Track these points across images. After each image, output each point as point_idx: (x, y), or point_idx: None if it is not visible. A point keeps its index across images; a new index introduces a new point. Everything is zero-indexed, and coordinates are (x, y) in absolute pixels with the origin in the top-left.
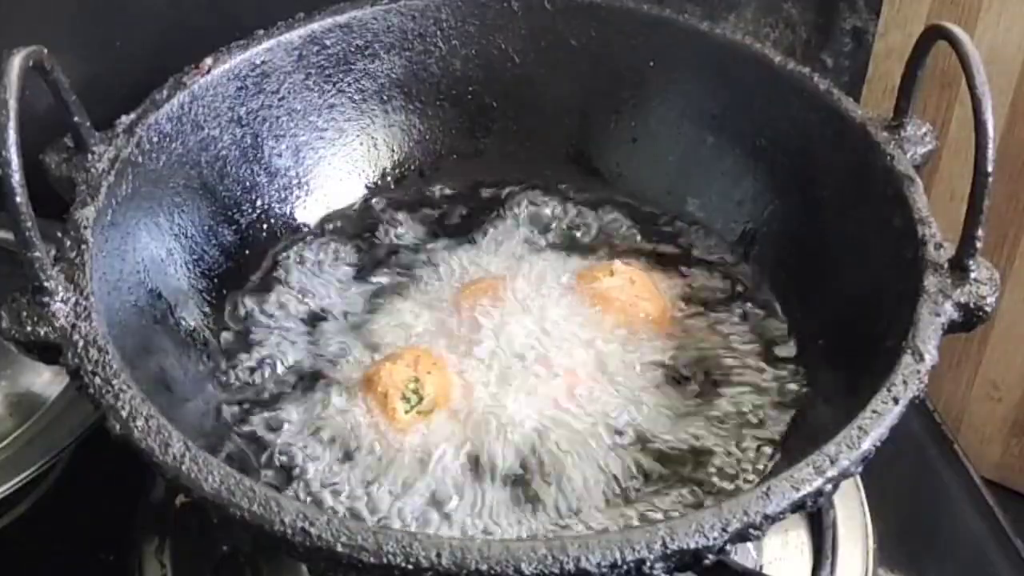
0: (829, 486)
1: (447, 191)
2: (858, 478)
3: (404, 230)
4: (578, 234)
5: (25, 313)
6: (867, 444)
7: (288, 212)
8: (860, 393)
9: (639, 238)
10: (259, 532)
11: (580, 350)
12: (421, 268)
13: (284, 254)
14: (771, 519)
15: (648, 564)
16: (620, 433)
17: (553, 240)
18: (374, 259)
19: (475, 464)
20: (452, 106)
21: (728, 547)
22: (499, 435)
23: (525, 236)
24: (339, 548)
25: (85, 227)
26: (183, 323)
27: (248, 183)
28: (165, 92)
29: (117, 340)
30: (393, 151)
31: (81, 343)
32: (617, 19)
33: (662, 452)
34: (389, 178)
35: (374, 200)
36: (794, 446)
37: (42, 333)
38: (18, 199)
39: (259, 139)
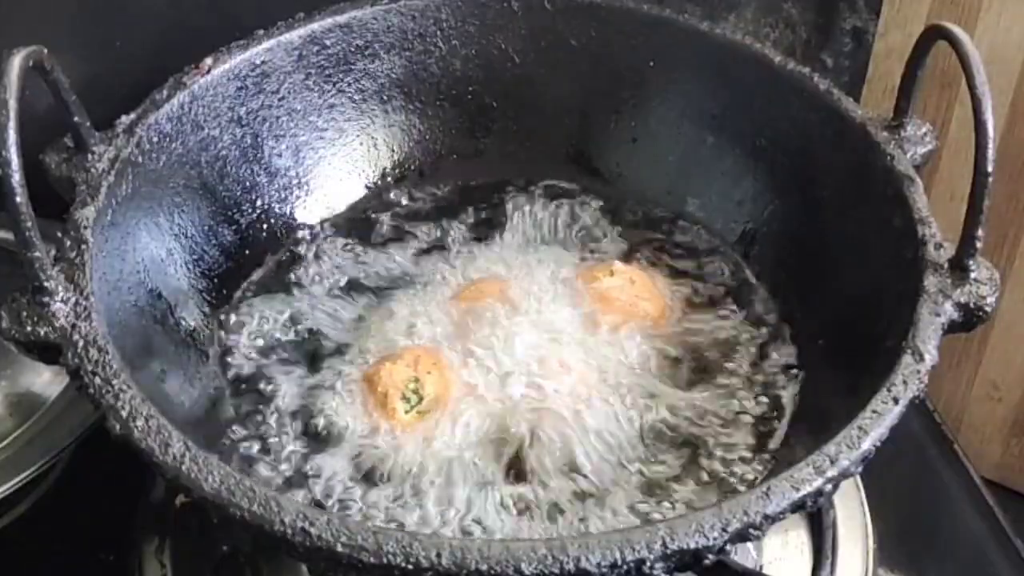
0: (829, 486)
1: (447, 191)
2: (858, 478)
3: (404, 230)
4: (578, 234)
5: (25, 313)
6: (867, 444)
7: (288, 212)
8: (860, 393)
9: (639, 238)
10: (259, 532)
11: (580, 350)
12: (421, 268)
13: (284, 254)
14: (771, 519)
15: (648, 564)
16: (619, 432)
17: (553, 240)
18: (374, 259)
19: (475, 464)
20: (452, 106)
21: (728, 547)
22: (499, 435)
23: (525, 236)
24: (339, 548)
25: (85, 227)
26: (183, 323)
27: (248, 183)
28: (165, 92)
29: (117, 340)
30: (393, 151)
31: (81, 343)
32: (617, 19)
33: (662, 452)
34: (389, 178)
35: (374, 200)
36: (794, 446)
37: (42, 333)
38: (18, 199)
39: (259, 139)
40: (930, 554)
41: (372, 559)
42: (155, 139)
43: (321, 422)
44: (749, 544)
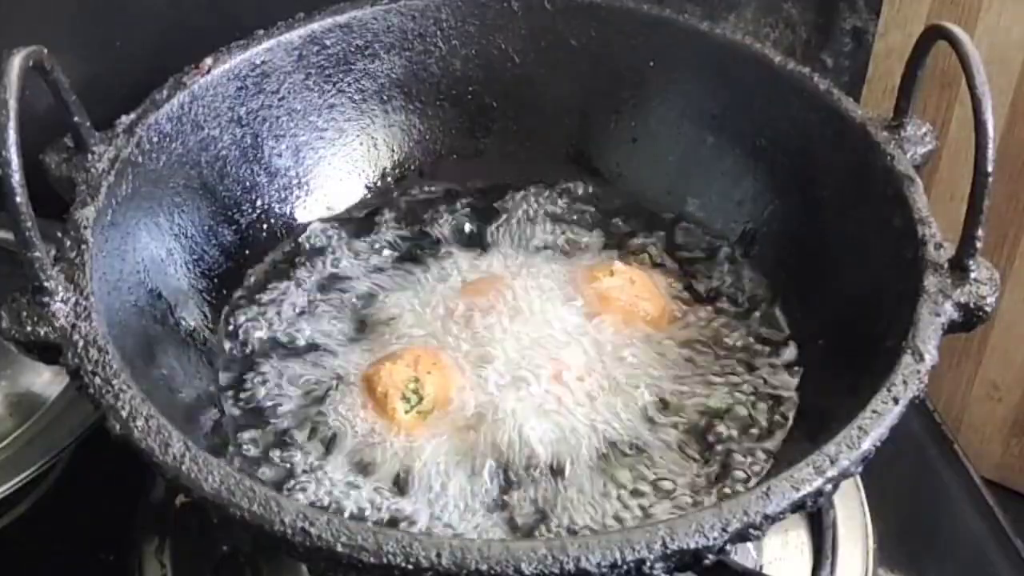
0: (829, 486)
1: (447, 191)
2: (858, 478)
3: (403, 230)
4: (578, 234)
5: (25, 313)
6: (867, 444)
7: (288, 212)
8: (860, 393)
9: (639, 238)
10: (259, 532)
11: (580, 350)
12: (421, 268)
13: (284, 254)
14: (771, 519)
15: (648, 564)
16: (619, 432)
17: (553, 240)
18: (374, 259)
19: (475, 464)
20: (452, 106)
21: (728, 547)
22: (499, 435)
23: (525, 236)
24: (339, 548)
25: (85, 227)
26: (183, 323)
27: (248, 183)
28: (165, 92)
29: (117, 340)
30: (393, 151)
31: (81, 343)
32: (617, 19)
33: (662, 451)
34: (389, 178)
35: (374, 200)
36: (794, 446)
37: (42, 333)
38: (18, 199)
39: (259, 139)
40: (930, 554)
41: (372, 559)
42: (155, 139)
43: (321, 422)
44: (749, 544)
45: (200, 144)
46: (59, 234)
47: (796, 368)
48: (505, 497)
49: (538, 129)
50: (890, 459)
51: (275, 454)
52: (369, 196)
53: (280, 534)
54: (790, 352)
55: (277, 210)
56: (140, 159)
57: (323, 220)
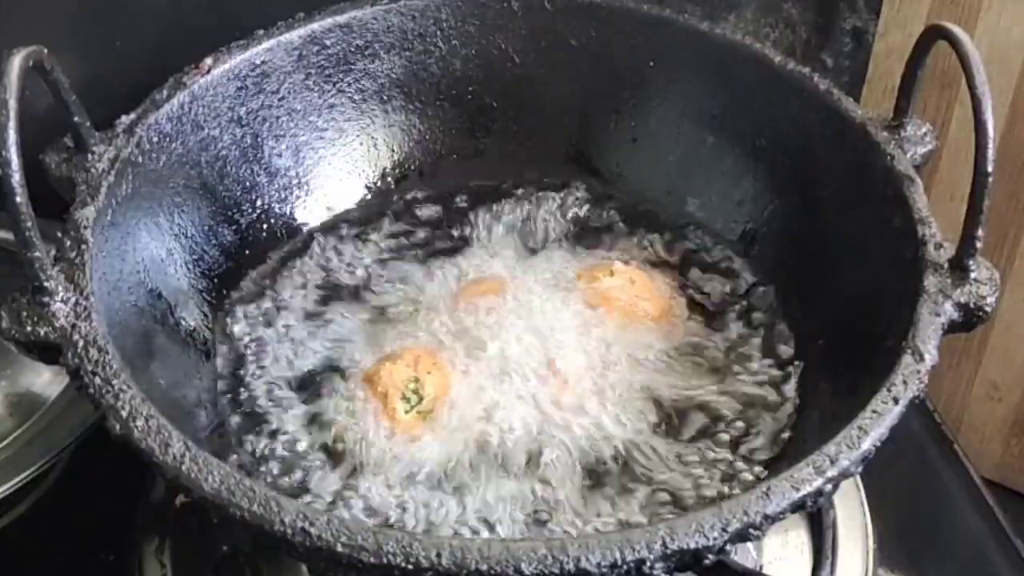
0: (829, 486)
1: (447, 191)
2: (858, 478)
3: (404, 230)
4: (578, 234)
5: (25, 313)
6: (867, 444)
7: (288, 212)
8: (860, 393)
9: (639, 238)
10: (259, 532)
11: (580, 350)
12: (421, 268)
13: (284, 254)
14: (771, 519)
15: (648, 564)
16: (619, 432)
17: (553, 240)
18: (374, 259)
19: (475, 464)
20: (452, 106)
21: (728, 547)
22: (499, 435)
23: (525, 236)
24: (339, 548)
25: (85, 227)
26: (183, 323)
27: (248, 183)
28: (165, 92)
29: (117, 340)
30: (393, 151)
31: (81, 343)
32: (617, 19)
33: (661, 451)
34: (389, 178)
35: (374, 200)
36: (794, 446)
37: (42, 333)
38: (18, 199)
39: (259, 139)
40: (930, 554)
41: (372, 559)
42: (155, 139)
43: (320, 422)
44: (749, 544)
45: (200, 144)
46: (59, 234)
47: (796, 368)
48: (506, 496)
49: (538, 129)
50: (890, 459)
51: (275, 454)
52: (369, 196)
53: (280, 534)
54: (790, 352)
55: (277, 210)
56: (140, 159)
57: (323, 220)
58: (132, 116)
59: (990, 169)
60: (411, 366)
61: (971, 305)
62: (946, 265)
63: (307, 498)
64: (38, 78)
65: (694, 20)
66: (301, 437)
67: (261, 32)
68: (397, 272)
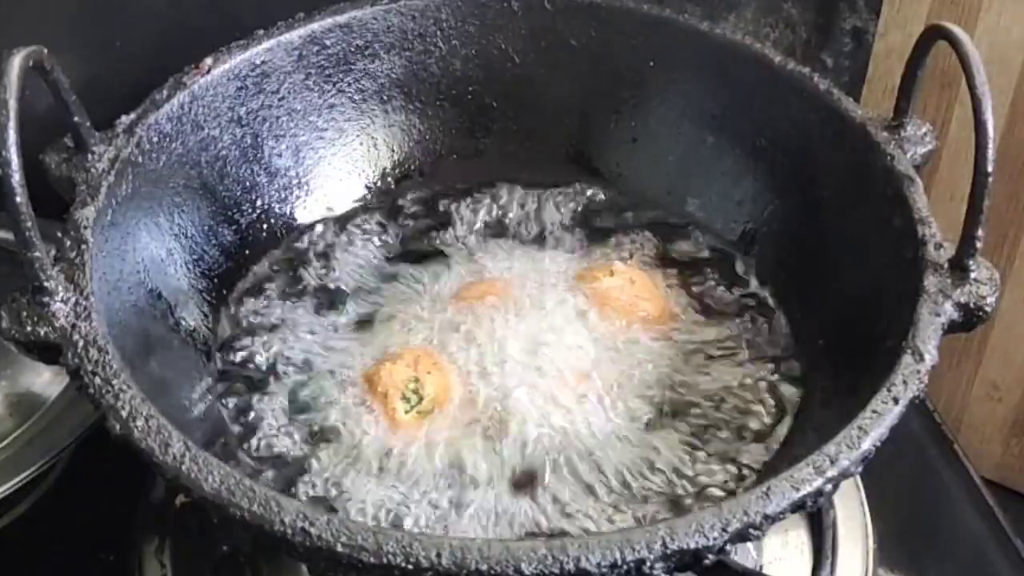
0: (829, 486)
1: (447, 191)
2: (858, 478)
3: (404, 230)
4: (577, 234)
5: (25, 313)
6: (867, 444)
7: (288, 212)
8: (860, 393)
9: (639, 238)
10: (259, 532)
11: (580, 350)
12: (421, 268)
13: (284, 254)
14: (771, 519)
15: (648, 564)
16: (619, 432)
17: (553, 240)
18: (374, 259)
19: (474, 464)
20: (452, 106)
21: (728, 547)
22: (499, 435)
23: (525, 236)
24: (339, 548)
25: (85, 227)
26: (183, 323)
27: (248, 183)
28: (165, 92)
29: (117, 340)
30: (393, 151)
31: (81, 343)
32: (617, 19)
33: (661, 451)
34: (389, 178)
35: (374, 200)
36: (794, 446)
37: (42, 333)
38: (18, 199)
39: (259, 139)
40: (930, 554)
41: (372, 559)
42: (155, 139)
43: (321, 422)
44: (749, 544)
45: (200, 144)
46: (59, 234)
47: (796, 368)
48: (506, 496)
49: (538, 129)
50: (890, 459)
51: (274, 454)
52: (369, 196)
53: (280, 534)
54: (790, 352)
55: (277, 210)
56: (140, 159)
57: (323, 220)
58: (132, 116)
59: (990, 169)
60: (411, 366)
61: (971, 305)
62: (946, 265)
63: (305, 497)
64: (38, 78)
65: (694, 20)
66: (300, 437)
67: (261, 32)
68: (397, 272)
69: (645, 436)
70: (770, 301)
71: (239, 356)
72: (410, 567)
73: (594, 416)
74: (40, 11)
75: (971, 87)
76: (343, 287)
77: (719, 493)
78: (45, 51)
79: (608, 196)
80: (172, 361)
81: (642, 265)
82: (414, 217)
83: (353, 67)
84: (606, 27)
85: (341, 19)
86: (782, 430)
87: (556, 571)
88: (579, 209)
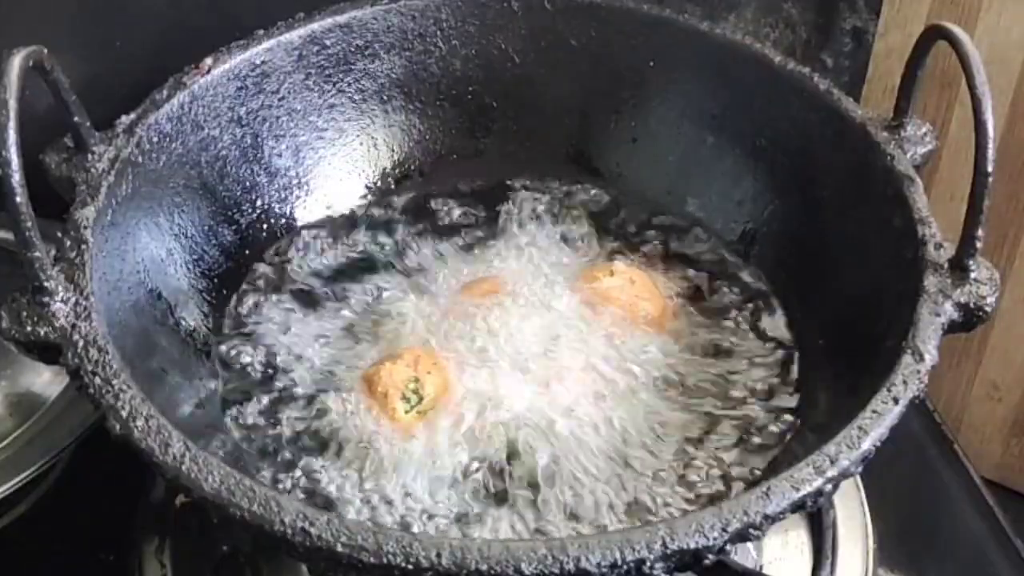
0: (829, 486)
1: (447, 191)
2: (858, 478)
3: (404, 230)
4: (578, 234)
5: (25, 313)
6: (867, 444)
7: (288, 212)
8: (860, 393)
9: (639, 238)
10: (259, 532)
11: (580, 350)
12: (421, 268)
13: (284, 254)
14: (771, 519)
15: (648, 564)
16: (619, 432)
17: (553, 240)
18: (374, 259)
19: (475, 464)
20: (452, 106)
21: (728, 547)
22: (498, 435)
23: (525, 236)
24: (339, 548)
25: (85, 227)
26: (183, 323)
27: (248, 183)
28: (165, 92)
29: (117, 340)
30: (393, 151)
31: (81, 343)
32: (617, 19)
33: (661, 451)
34: (389, 178)
35: (374, 200)
36: (794, 446)
37: (42, 333)
38: (18, 199)
39: (259, 139)
40: (930, 554)
41: (372, 559)
42: (155, 139)
43: (321, 422)
44: (749, 544)
45: (200, 144)
46: (59, 234)
47: (796, 368)
48: (504, 497)
49: (538, 129)
50: (890, 459)
51: (273, 454)
52: (369, 196)
53: (280, 534)
54: (790, 352)
55: (277, 210)
56: (140, 159)
57: (323, 220)
58: (132, 116)
59: (990, 169)
60: (411, 366)
61: (971, 305)
62: (946, 265)
63: (307, 498)
64: (38, 78)
65: (694, 20)
66: (300, 437)
67: (261, 32)
68: (397, 272)
69: (644, 436)
70: (770, 301)
71: (238, 356)
72: (410, 567)
73: (593, 416)
74: (40, 11)
75: (971, 87)
76: (343, 287)
77: (718, 493)
78: (45, 51)
79: (608, 196)
80: (172, 361)
81: (642, 265)
82: (414, 217)
83: (353, 67)
84: (606, 27)
85: (341, 19)
86: (782, 430)
87: (556, 571)
88: (579, 209)
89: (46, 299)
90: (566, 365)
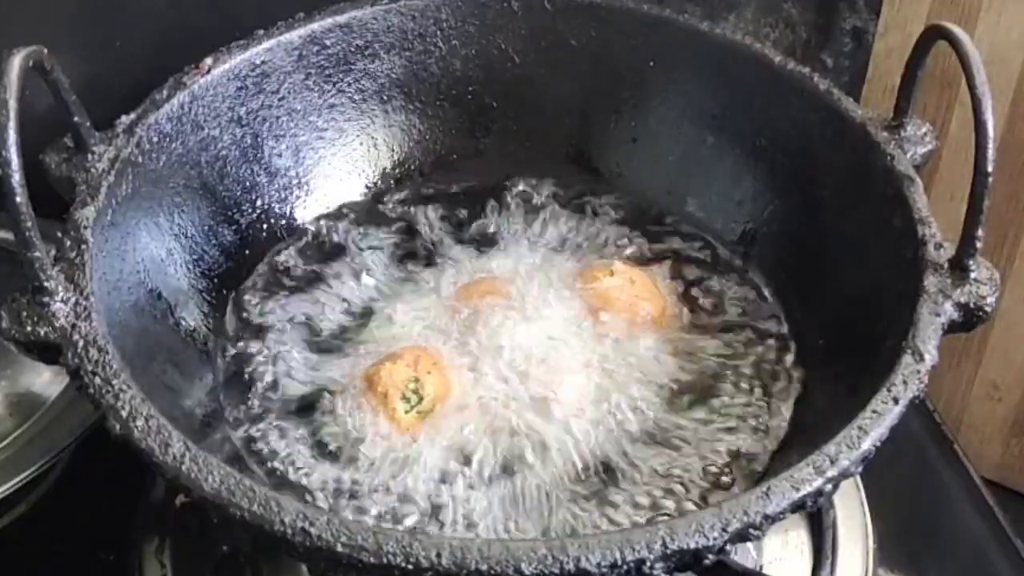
0: (829, 486)
1: (447, 191)
2: (858, 478)
3: (403, 231)
4: (578, 234)
5: (25, 313)
6: (867, 444)
7: (288, 212)
8: (860, 393)
9: (639, 238)
10: (259, 532)
11: (579, 350)
12: (421, 268)
13: (283, 254)
14: (771, 519)
15: (648, 564)
16: (619, 432)
17: (553, 240)
18: (374, 259)
19: (475, 464)
20: (452, 106)
21: (728, 547)
22: (498, 435)
23: (525, 236)
24: (339, 548)
25: (85, 227)
26: (183, 323)
27: (248, 183)
28: (165, 92)
29: (117, 340)
30: (393, 151)
31: (81, 343)
32: (617, 19)
33: (661, 451)
34: (389, 178)
35: (374, 200)
36: (794, 446)
37: (42, 333)
38: (18, 199)
39: (259, 139)
40: (930, 554)
41: (372, 559)
42: (155, 139)
43: (321, 422)
44: (749, 544)
45: (200, 144)
46: (59, 234)
47: (796, 368)
48: (507, 496)
49: (538, 129)
50: (890, 459)
51: (273, 453)
52: (369, 196)
53: (280, 534)
54: (790, 352)
55: (277, 210)
56: (140, 159)
57: (323, 220)
58: (132, 116)
59: (990, 169)
60: (411, 366)
61: (971, 305)
62: (946, 265)
63: (306, 498)
64: (38, 78)
65: (694, 20)
66: (300, 436)
67: (261, 32)
68: (397, 272)
69: (644, 435)
70: (770, 301)
71: (239, 356)
72: (410, 567)
73: (592, 416)
74: (40, 11)
75: (971, 87)
76: (343, 286)
77: (718, 493)
78: (45, 51)
79: (608, 196)
80: (172, 361)
81: (642, 265)
82: (414, 217)
83: (353, 67)
84: (606, 27)
85: (341, 19)
86: (782, 430)
87: (556, 571)
88: (579, 209)
89: (46, 299)
90: (566, 365)
